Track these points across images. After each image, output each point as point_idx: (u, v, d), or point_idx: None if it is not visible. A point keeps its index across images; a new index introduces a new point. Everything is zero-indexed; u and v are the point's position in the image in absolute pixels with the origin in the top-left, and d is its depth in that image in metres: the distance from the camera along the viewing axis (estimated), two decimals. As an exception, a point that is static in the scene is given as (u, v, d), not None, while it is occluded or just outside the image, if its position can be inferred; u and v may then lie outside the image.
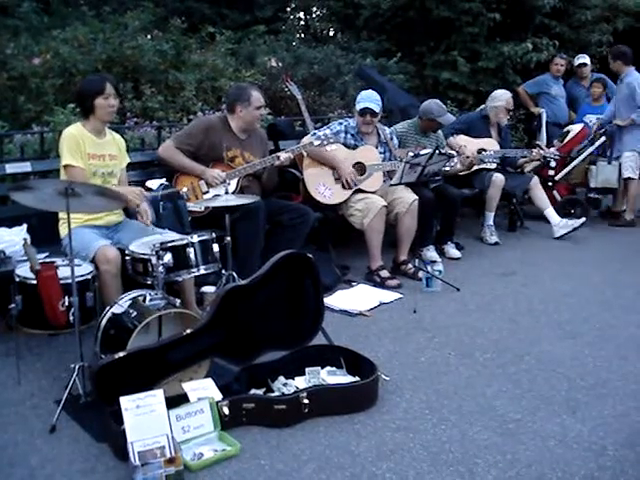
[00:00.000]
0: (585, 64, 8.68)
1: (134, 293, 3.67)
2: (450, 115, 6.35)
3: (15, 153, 5.18)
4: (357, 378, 3.61)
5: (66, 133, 4.11)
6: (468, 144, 6.72)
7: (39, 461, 2.98)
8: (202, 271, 3.79)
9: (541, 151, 7.16)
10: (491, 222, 6.81)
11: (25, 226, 4.37)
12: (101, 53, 7.05)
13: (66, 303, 3.38)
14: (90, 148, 4.11)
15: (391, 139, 5.96)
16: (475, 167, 6.68)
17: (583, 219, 6.97)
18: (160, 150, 5.13)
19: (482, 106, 7.40)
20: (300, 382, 3.57)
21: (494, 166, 6.88)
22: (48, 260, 3.61)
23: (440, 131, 6.51)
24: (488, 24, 10.08)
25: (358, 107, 5.70)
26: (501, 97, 7.05)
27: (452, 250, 6.27)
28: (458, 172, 6.48)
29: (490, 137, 7.02)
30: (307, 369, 3.60)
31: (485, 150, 6.77)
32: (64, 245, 4.01)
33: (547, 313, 4.90)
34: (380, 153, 5.79)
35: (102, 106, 4.09)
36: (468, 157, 6.47)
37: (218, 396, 3.26)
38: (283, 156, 5.10)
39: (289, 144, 5.88)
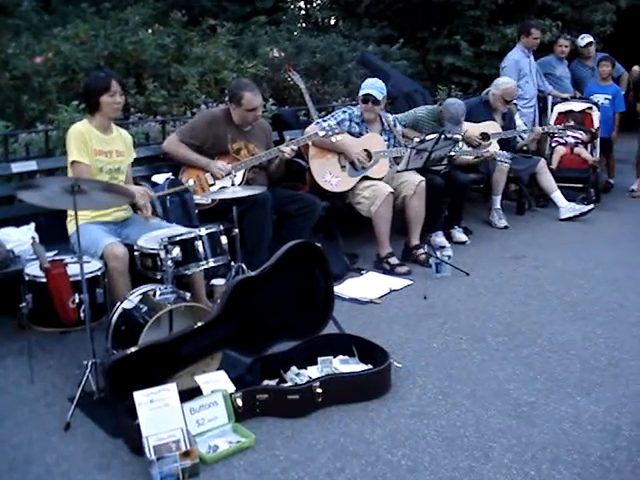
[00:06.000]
0: (591, 43, 8.59)
1: (144, 288, 3.67)
2: (458, 129, 6.18)
3: (20, 152, 5.18)
4: (370, 366, 3.60)
5: (73, 130, 4.10)
6: (470, 129, 6.64)
7: (55, 458, 2.99)
8: (211, 264, 3.78)
9: (542, 127, 7.07)
10: (498, 206, 6.77)
11: (33, 225, 4.38)
12: (103, 49, 7.05)
13: (76, 300, 3.37)
14: (97, 144, 4.11)
15: (394, 126, 5.92)
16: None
17: (591, 206, 6.93)
18: (164, 144, 5.13)
19: (486, 90, 7.31)
20: (313, 372, 3.58)
21: (498, 148, 6.75)
22: (57, 258, 3.60)
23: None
24: (490, 7, 10.03)
25: (360, 93, 5.68)
26: (500, 86, 6.85)
27: (459, 234, 6.24)
28: (469, 162, 6.41)
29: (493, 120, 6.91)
30: (319, 358, 3.61)
31: (487, 134, 6.66)
32: (72, 242, 4.02)
33: (558, 295, 4.89)
34: (384, 140, 5.76)
35: (108, 103, 4.08)
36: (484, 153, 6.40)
37: (231, 388, 3.26)
38: (287, 151, 5.01)
39: (293, 134, 5.86)
